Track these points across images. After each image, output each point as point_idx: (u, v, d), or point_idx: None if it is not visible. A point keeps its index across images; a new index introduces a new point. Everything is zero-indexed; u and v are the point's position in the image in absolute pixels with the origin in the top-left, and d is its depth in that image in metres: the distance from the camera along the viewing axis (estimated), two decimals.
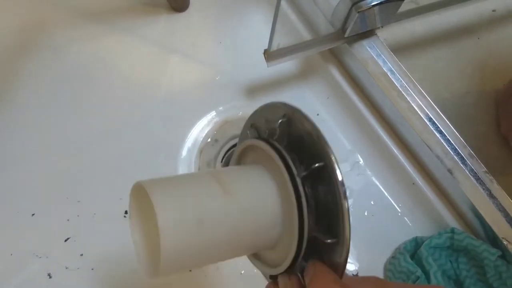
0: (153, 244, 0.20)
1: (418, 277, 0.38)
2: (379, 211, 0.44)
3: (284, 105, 0.22)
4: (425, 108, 0.40)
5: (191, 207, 0.19)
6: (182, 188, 0.20)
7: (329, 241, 0.20)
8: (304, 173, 0.21)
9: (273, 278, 0.24)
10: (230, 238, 0.20)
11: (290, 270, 0.22)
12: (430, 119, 0.39)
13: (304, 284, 0.22)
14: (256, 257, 0.26)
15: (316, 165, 0.20)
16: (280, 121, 0.22)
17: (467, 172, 0.38)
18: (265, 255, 0.25)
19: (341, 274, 0.21)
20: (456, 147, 0.39)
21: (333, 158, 0.20)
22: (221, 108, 0.46)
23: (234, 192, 0.21)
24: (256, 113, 0.26)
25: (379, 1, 0.36)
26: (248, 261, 0.26)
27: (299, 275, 0.23)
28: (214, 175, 0.21)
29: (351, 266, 0.42)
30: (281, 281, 0.23)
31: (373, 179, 0.45)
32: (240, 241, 0.21)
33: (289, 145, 0.22)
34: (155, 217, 0.18)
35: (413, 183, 0.43)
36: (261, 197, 0.22)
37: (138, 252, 0.21)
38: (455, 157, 0.38)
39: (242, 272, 0.41)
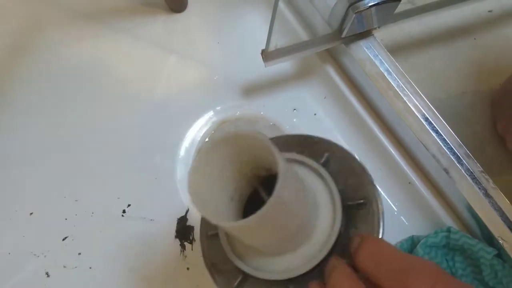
0: None
1: None
2: None
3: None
4: (421, 108, 0.40)
5: None
6: None
7: (361, 201, 0.24)
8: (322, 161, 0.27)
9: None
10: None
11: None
12: (426, 119, 0.40)
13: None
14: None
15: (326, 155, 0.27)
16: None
17: (463, 172, 0.38)
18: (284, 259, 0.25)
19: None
20: (452, 146, 0.39)
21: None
22: (218, 108, 0.47)
23: None
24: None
25: (376, 2, 0.36)
26: None
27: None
28: None
29: None
30: (329, 264, 0.23)
31: None
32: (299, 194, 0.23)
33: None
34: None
35: (410, 182, 0.43)
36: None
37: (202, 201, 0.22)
38: (451, 156, 0.39)
39: None
